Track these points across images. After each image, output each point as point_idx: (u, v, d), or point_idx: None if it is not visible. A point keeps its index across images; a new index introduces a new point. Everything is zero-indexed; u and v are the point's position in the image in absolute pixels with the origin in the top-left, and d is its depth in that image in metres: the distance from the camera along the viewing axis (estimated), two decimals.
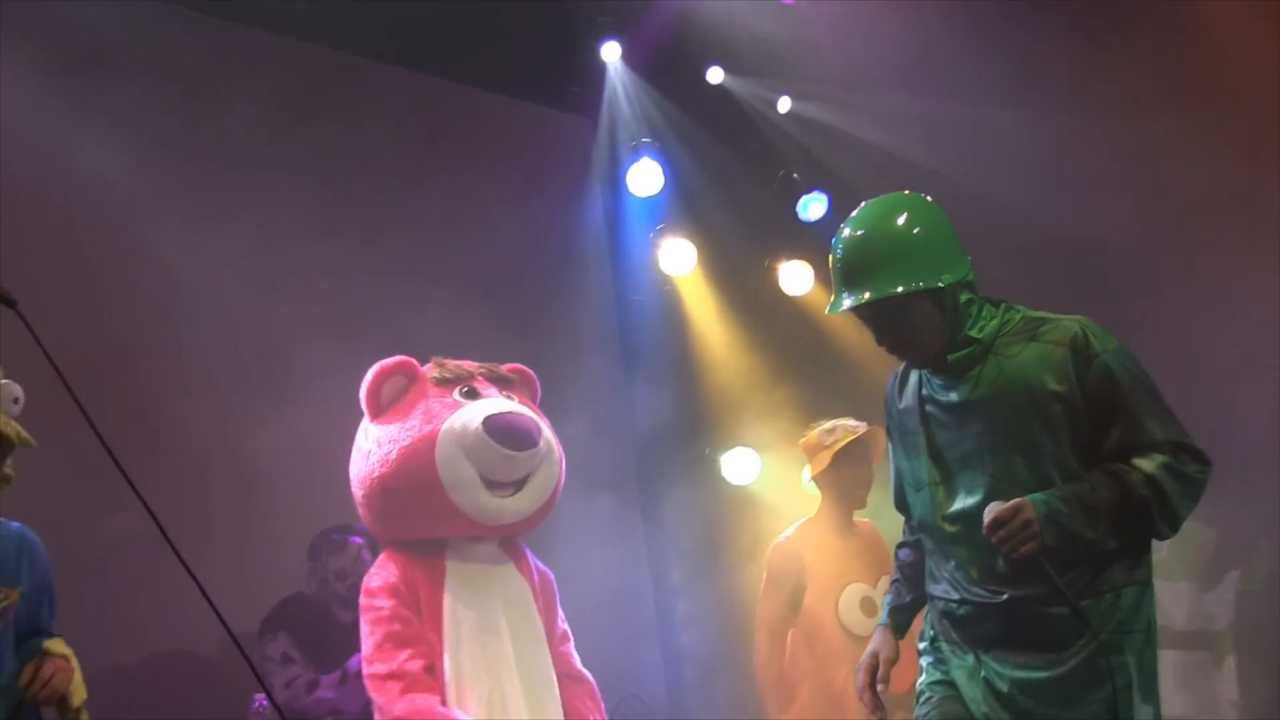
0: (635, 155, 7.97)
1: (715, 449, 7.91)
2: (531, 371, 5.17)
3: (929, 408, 3.80)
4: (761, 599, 6.23)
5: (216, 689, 6.31)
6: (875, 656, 3.95)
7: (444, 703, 4.52)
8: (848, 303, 3.70)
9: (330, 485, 6.26)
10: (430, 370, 4.94)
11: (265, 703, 5.44)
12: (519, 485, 4.77)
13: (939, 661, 3.86)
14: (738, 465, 7.79)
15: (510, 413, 4.74)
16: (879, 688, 3.90)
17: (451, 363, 4.98)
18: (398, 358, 4.96)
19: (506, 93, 8.07)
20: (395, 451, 4.77)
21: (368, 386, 4.93)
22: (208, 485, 6.42)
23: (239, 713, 5.44)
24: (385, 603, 4.71)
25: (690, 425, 8.13)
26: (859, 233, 3.74)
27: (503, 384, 5.00)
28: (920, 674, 3.94)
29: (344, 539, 6.22)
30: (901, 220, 3.73)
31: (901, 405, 3.93)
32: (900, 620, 4.08)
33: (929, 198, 3.83)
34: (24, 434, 3.97)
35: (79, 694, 4.06)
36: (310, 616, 6.13)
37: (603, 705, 4.97)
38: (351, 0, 6.84)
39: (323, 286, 6.91)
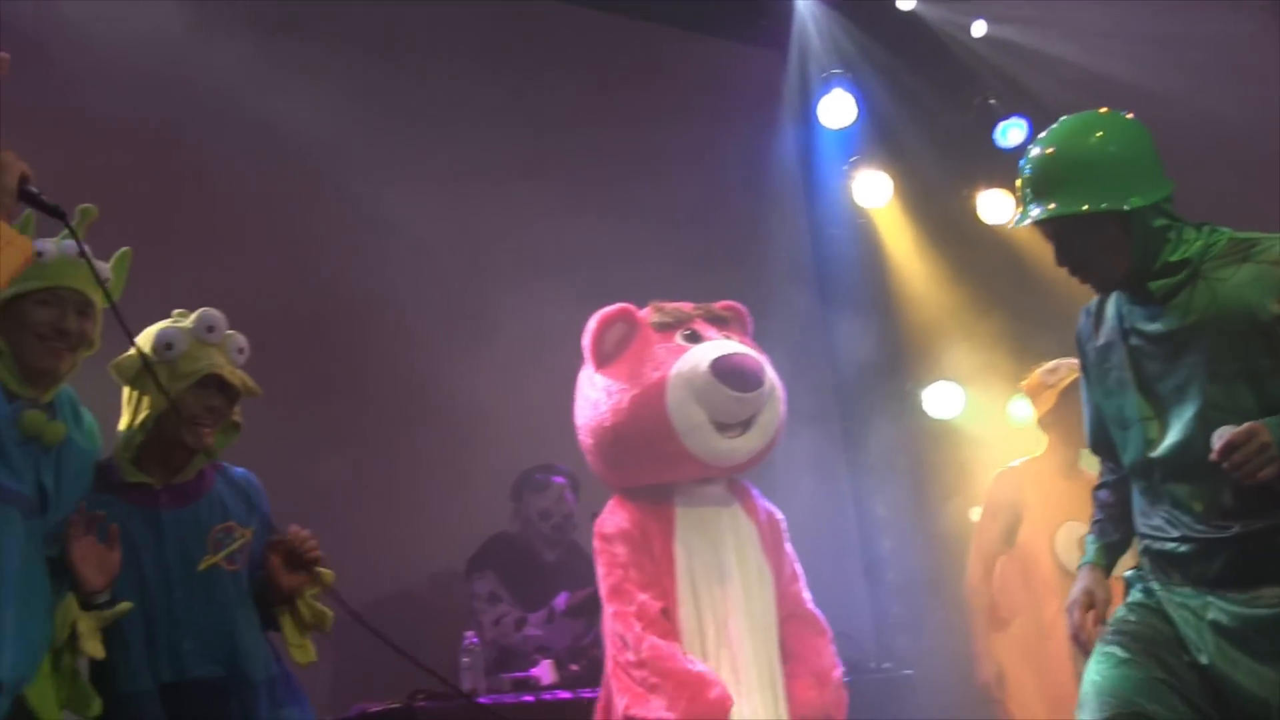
0: (826, 87, 7.95)
1: (917, 383, 7.89)
2: (743, 307, 5.07)
3: (1134, 340, 3.60)
4: (978, 526, 6.22)
5: (428, 628, 6.48)
6: (1090, 595, 3.79)
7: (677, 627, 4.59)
8: (1034, 213, 3.58)
9: (531, 427, 6.44)
10: (650, 315, 4.90)
11: (477, 639, 5.53)
12: (746, 425, 4.71)
13: (1148, 597, 3.66)
14: (941, 399, 7.77)
15: (736, 354, 4.70)
16: (1096, 629, 3.76)
17: (670, 306, 4.93)
18: (618, 305, 4.90)
19: (697, 30, 8.09)
20: (626, 400, 4.76)
21: (591, 336, 4.90)
22: (415, 430, 6.58)
23: (452, 650, 5.50)
24: (620, 548, 4.73)
25: (891, 359, 8.09)
26: (1050, 147, 3.63)
27: (720, 324, 4.94)
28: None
29: (546, 479, 6.33)
30: (1096, 137, 3.61)
31: (1100, 341, 3.74)
32: (1110, 559, 3.94)
33: (1130, 116, 3.65)
34: (250, 383, 4.08)
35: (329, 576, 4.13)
36: (516, 555, 6.25)
37: (832, 643, 4.85)
38: None
39: (523, 232, 7.06)
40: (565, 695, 5.36)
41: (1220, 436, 3.28)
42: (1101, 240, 3.54)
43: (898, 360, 8.06)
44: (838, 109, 7.89)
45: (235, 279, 5.76)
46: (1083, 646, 3.75)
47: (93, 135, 6.04)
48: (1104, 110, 3.67)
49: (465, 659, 5.38)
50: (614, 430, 4.79)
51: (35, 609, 3.50)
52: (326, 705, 5.49)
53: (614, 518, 4.81)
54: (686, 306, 4.95)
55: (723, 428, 4.68)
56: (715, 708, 4.38)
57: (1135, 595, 3.69)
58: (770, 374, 4.77)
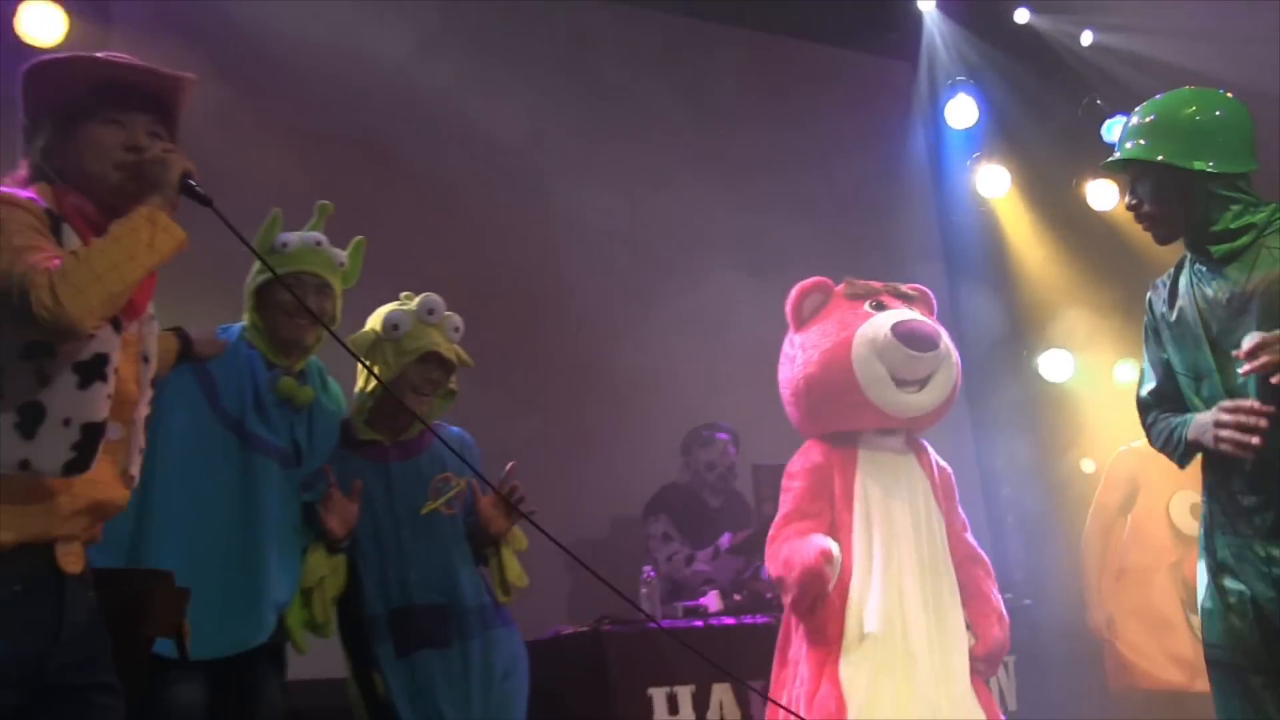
0: (952, 92, 8.05)
1: (1032, 351, 7.92)
2: (928, 290, 5.16)
3: (1201, 302, 3.58)
4: (1098, 495, 6.40)
5: (610, 564, 6.84)
6: None
7: (850, 574, 4.66)
8: (1116, 154, 3.68)
9: (692, 391, 6.74)
10: (843, 288, 4.99)
11: (653, 573, 5.73)
12: (923, 383, 4.78)
13: (1226, 569, 3.57)
14: (1054, 365, 7.83)
15: (915, 320, 4.80)
16: None
17: (861, 282, 5.01)
18: (816, 278, 5.06)
19: (839, 45, 8.22)
20: (817, 355, 4.88)
21: (791, 302, 5.05)
22: (590, 396, 6.83)
23: (631, 583, 5.68)
24: (799, 482, 4.89)
25: (1010, 331, 8.09)
26: (1151, 104, 3.70)
27: (904, 299, 5.01)
28: (1200, 591, 3.68)
29: (712, 435, 6.56)
30: (1190, 103, 3.63)
31: (1171, 304, 3.69)
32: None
33: (1231, 96, 3.66)
34: (464, 356, 4.30)
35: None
36: (684, 501, 6.49)
37: (994, 581, 4.93)
38: None
39: (686, 221, 7.27)
40: (729, 621, 5.55)
41: (1251, 339, 3.29)
42: (1163, 193, 3.57)
43: (1016, 331, 8.06)
44: (962, 111, 8.00)
45: (442, 266, 5.90)
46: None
47: (324, 140, 6.36)
48: (1212, 89, 3.69)
49: (644, 590, 5.55)
50: (806, 382, 4.90)
51: (291, 546, 3.81)
52: (525, 628, 5.39)
53: (803, 458, 4.96)
54: (876, 284, 5.03)
55: (901, 383, 4.75)
56: (816, 554, 4.52)
57: (1210, 596, 3.62)
58: (946, 341, 4.84)
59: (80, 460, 2.50)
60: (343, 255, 4.02)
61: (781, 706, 4.62)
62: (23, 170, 2.70)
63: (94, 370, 2.54)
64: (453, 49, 6.73)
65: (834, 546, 4.56)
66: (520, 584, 4.34)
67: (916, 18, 8.25)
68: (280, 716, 3.82)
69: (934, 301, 5.18)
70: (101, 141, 2.67)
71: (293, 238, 3.92)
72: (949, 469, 5.07)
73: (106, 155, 2.66)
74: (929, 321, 4.92)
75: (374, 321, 4.27)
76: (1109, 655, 6.29)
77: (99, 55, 2.72)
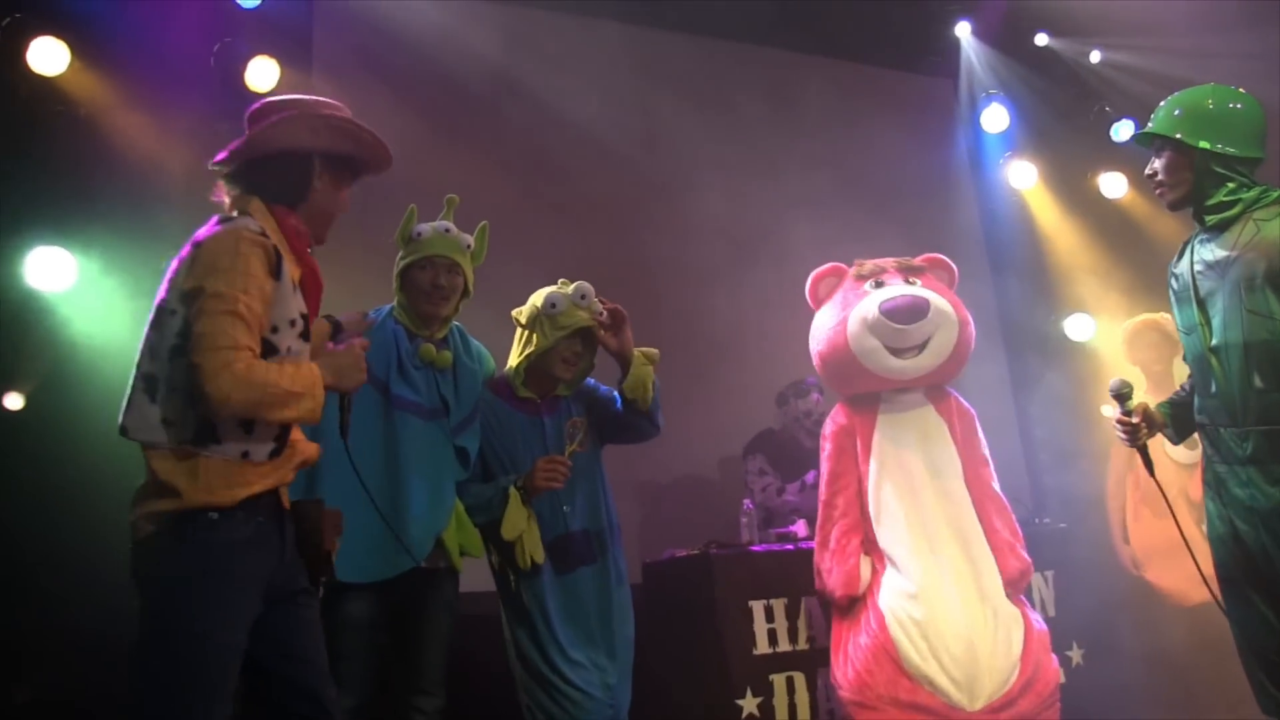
0: (986, 102, 7.83)
1: (1058, 316, 7.69)
2: (944, 258, 4.93)
3: (1197, 265, 3.47)
4: (1113, 450, 6.04)
5: (715, 497, 6.64)
6: (1142, 408, 3.67)
7: (870, 516, 4.61)
8: (1145, 129, 3.55)
9: (786, 349, 6.31)
10: (854, 269, 4.88)
11: (751, 505, 5.58)
12: (921, 347, 4.61)
13: (1217, 496, 3.49)
14: (1077, 327, 7.57)
15: (901, 296, 4.60)
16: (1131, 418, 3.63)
17: (871, 262, 4.85)
18: (829, 265, 4.94)
19: (891, 67, 8.09)
20: (824, 335, 4.80)
21: (809, 287, 4.96)
22: (697, 355, 6.62)
23: (734, 512, 5.61)
24: (829, 445, 4.82)
25: (1041, 300, 7.90)
26: (1181, 92, 3.56)
27: (914, 273, 4.80)
28: (1207, 519, 3.60)
29: (806, 388, 6.35)
30: (1211, 93, 3.49)
31: (1177, 269, 3.58)
32: (1168, 404, 3.74)
33: (1253, 98, 3.49)
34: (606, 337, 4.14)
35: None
36: (779, 444, 6.28)
37: (1011, 518, 4.69)
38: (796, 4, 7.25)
39: (775, 210, 7.11)
40: (814, 545, 5.23)
41: None
42: (1174, 165, 3.45)
43: (1046, 299, 7.84)
44: (995, 118, 7.79)
45: (574, 248, 5.97)
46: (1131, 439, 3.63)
47: (481, 150, 6.25)
48: (1234, 87, 3.52)
49: (744, 519, 5.43)
50: (821, 356, 4.83)
51: (441, 483, 3.70)
52: (644, 551, 5.63)
53: (831, 423, 4.87)
54: (887, 261, 4.85)
55: (897, 351, 4.60)
56: (842, 593, 4.54)
57: (1211, 523, 3.54)
58: (941, 307, 4.61)
59: (279, 449, 2.64)
60: (469, 239, 3.90)
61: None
62: (231, 195, 2.74)
63: None
64: (600, 68, 6.83)
65: (862, 574, 4.58)
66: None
67: (955, 42, 8.07)
68: (449, 625, 3.73)
69: (951, 268, 4.92)
70: (340, 199, 2.82)
71: (425, 228, 3.83)
72: (972, 412, 4.86)
73: (339, 208, 2.83)
74: (921, 293, 4.64)
75: (536, 299, 4.11)
76: (1148, 588, 5.87)
77: (369, 135, 2.80)
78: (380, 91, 5.84)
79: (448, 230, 3.80)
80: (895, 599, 4.45)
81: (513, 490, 3.84)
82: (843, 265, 4.94)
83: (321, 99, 2.81)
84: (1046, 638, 4.54)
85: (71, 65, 5.26)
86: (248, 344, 2.49)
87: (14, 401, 5.05)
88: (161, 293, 2.60)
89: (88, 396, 4.92)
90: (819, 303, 4.95)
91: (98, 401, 4.92)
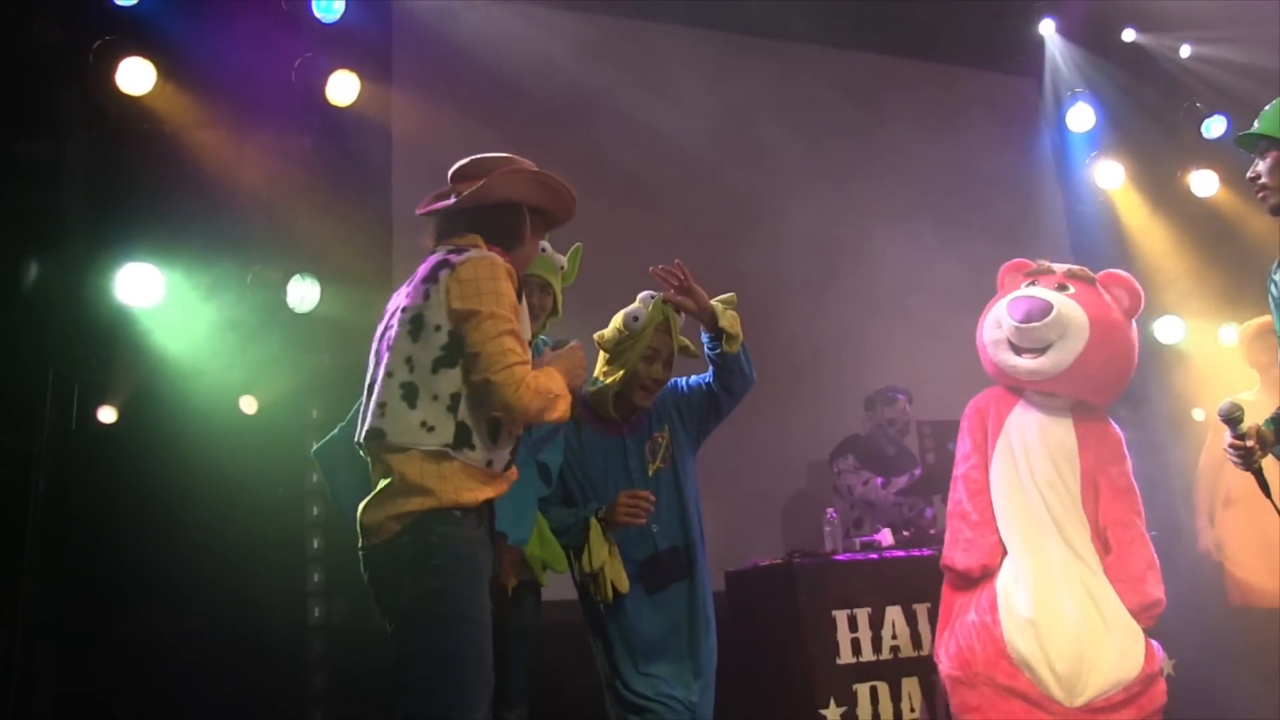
0: (1072, 101, 7.76)
1: (1149, 318, 7.41)
2: (1128, 278, 4.89)
3: None
4: (1208, 441, 5.94)
5: (799, 506, 6.64)
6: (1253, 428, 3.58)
7: (987, 488, 4.72)
8: (1250, 130, 3.47)
9: (872, 358, 6.57)
10: (1030, 267, 4.97)
11: (835, 514, 5.54)
12: (1041, 351, 4.67)
13: None
14: (1168, 329, 7.42)
15: (1031, 295, 4.72)
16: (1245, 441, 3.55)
17: (1044, 263, 4.95)
18: (1016, 260, 5.05)
19: (978, 66, 8.06)
20: (981, 319, 4.96)
21: (999, 277, 5.07)
22: (789, 360, 6.58)
23: (817, 521, 5.58)
24: (964, 424, 4.96)
25: None
26: None
27: (1078, 281, 4.83)
28: None
29: (894, 395, 6.36)
30: None
31: (1277, 275, 3.50)
32: (1273, 421, 3.63)
33: None
34: (691, 348, 4.11)
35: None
36: (866, 448, 6.31)
37: (1143, 551, 4.63)
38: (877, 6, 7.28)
39: (858, 217, 7.06)
40: (899, 554, 5.31)
41: None
42: (1274, 165, 3.39)
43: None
44: (1081, 117, 7.71)
45: (658, 260, 5.99)
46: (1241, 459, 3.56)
47: (564, 165, 6.29)
48: None
49: (826, 528, 5.39)
50: (978, 339, 4.97)
51: (525, 498, 3.61)
52: (727, 560, 5.52)
53: (975, 401, 4.99)
54: (1056, 266, 4.92)
55: (1017, 349, 4.72)
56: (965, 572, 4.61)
57: None
58: (1069, 316, 4.62)
59: (512, 462, 2.98)
60: (563, 259, 3.86)
61: None
62: (448, 232, 3.03)
63: None
64: (675, 85, 6.81)
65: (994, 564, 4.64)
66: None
67: (1040, 41, 8.02)
68: (532, 639, 3.76)
69: (1134, 290, 4.89)
70: (534, 243, 3.19)
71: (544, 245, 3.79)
72: (1119, 439, 4.88)
73: (532, 254, 3.22)
74: (1053, 298, 4.68)
75: (616, 320, 4.05)
76: (1225, 576, 5.81)
77: (565, 192, 3.14)
78: (460, 105, 5.94)
79: (543, 250, 3.75)
80: (1010, 583, 4.54)
81: (594, 521, 3.80)
82: (1027, 261, 5.04)
83: (516, 157, 3.12)
84: (1160, 663, 4.55)
85: (158, 84, 5.43)
86: (526, 358, 2.81)
87: (108, 415, 5.21)
88: (407, 303, 2.88)
89: (176, 409, 5.09)
90: (998, 291, 5.06)
91: (187, 413, 5.12)
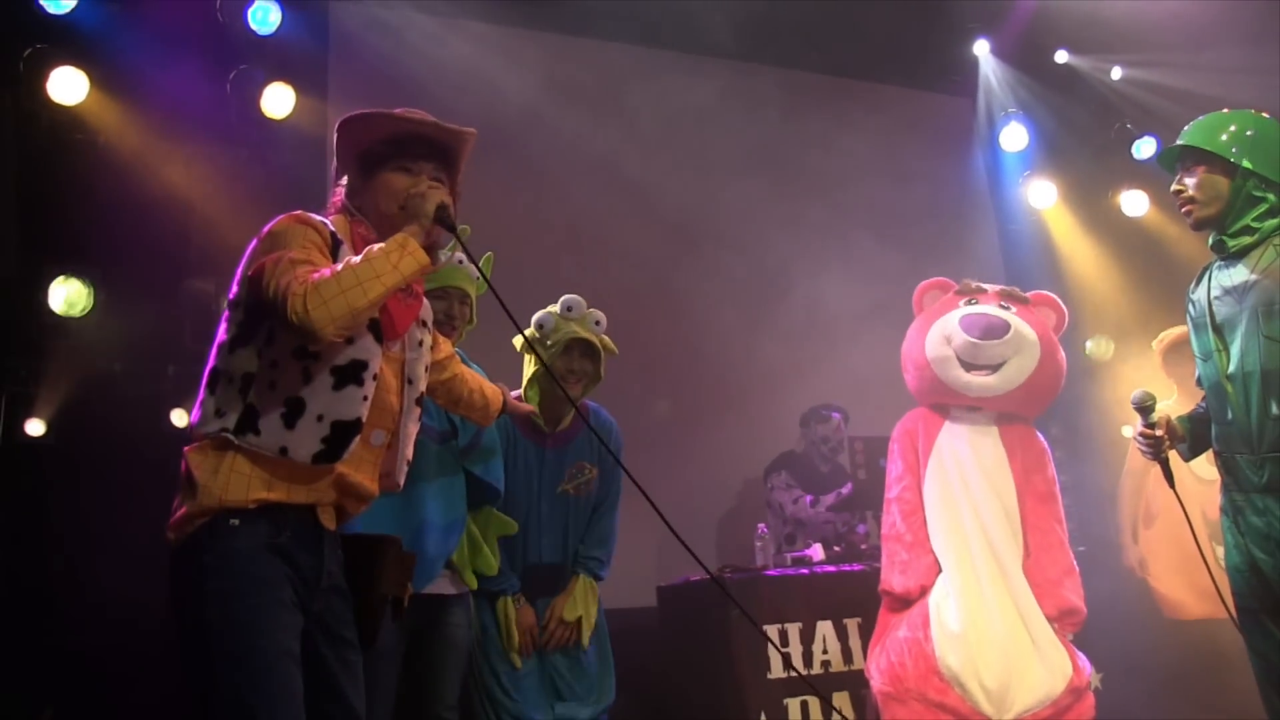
0: (1005, 120, 7.90)
1: (1078, 337, 7.62)
2: (1055, 298, 5.04)
3: (1214, 291, 3.45)
4: (1129, 454, 6.10)
5: (731, 521, 6.73)
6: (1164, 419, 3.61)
7: (921, 508, 4.78)
8: (1178, 142, 3.49)
9: (804, 379, 6.60)
10: (958, 286, 5.04)
11: (766, 529, 5.63)
12: (994, 369, 4.73)
13: (1234, 525, 3.47)
14: (1098, 348, 7.63)
15: (987, 314, 4.76)
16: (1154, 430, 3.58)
17: (975, 283, 5.02)
18: (936, 278, 5.10)
19: (909, 85, 8.14)
20: (910, 338, 5.02)
21: (915, 296, 5.11)
22: (725, 377, 6.76)
23: (748, 536, 5.68)
24: (894, 446, 5.00)
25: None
26: (1216, 113, 3.51)
27: (1015, 301, 4.94)
28: (1224, 547, 3.57)
29: (828, 414, 6.45)
30: (1251, 118, 3.45)
31: (1195, 294, 3.55)
32: (1188, 419, 3.68)
33: None
34: (608, 343, 4.19)
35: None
36: (800, 465, 6.38)
37: (1062, 557, 4.72)
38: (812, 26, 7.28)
39: (795, 238, 7.14)
40: (830, 569, 5.39)
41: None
42: (1206, 182, 3.40)
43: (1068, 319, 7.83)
44: (1014, 137, 7.85)
45: (597, 283, 5.99)
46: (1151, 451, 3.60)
47: (499, 180, 6.19)
48: (1256, 109, 3.51)
49: (758, 543, 5.48)
50: (906, 356, 5.02)
51: (453, 502, 3.72)
52: (659, 574, 5.67)
53: (902, 424, 5.04)
54: (995, 286, 5.03)
55: (969, 366, 4.75)
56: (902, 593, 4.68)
57: (1229, 553, 3.50)
58: (1023, 334, 4.73)
59: (328, 453, 2.45)
60: (476, 270, 3.92)
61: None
62: (333, 205, 2.71)
63: (349, 375, 2.48)
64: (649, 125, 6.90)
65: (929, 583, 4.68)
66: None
67: (974, 61, 8.14)
68: (467, 645, 3.81)
69: (1060, 310, 5.02)
70: (392, 185, 2.64)
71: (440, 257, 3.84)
72: (1044, 448, 4.96)
73: (394, 196, 2.63)
74: (1004, 316, 4.77)
75: (530, 329, 4.14)
76: (1151, 592, 5.98)
77: (396, 111, 2.69)
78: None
79: (460, 262, 3.84)
80: (942, 600, 4.61)
81: (507, 602, 4.03)
82: (950, 280, 5.10)
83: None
84: (1086, 673, 4.61)
85: (91, 94, 5.47)
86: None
87: (36, 428, 5.23)
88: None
89: (108, 422, 5.11)
90: (919, 309, 5.12)
91: (119, 426, 5.14)
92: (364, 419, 2.48)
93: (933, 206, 7.74)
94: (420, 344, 2.73)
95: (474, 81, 6.39)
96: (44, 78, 5.36)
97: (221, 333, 2.53)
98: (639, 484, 3.54)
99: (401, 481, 2.72)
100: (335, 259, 2.51)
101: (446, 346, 3.10)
